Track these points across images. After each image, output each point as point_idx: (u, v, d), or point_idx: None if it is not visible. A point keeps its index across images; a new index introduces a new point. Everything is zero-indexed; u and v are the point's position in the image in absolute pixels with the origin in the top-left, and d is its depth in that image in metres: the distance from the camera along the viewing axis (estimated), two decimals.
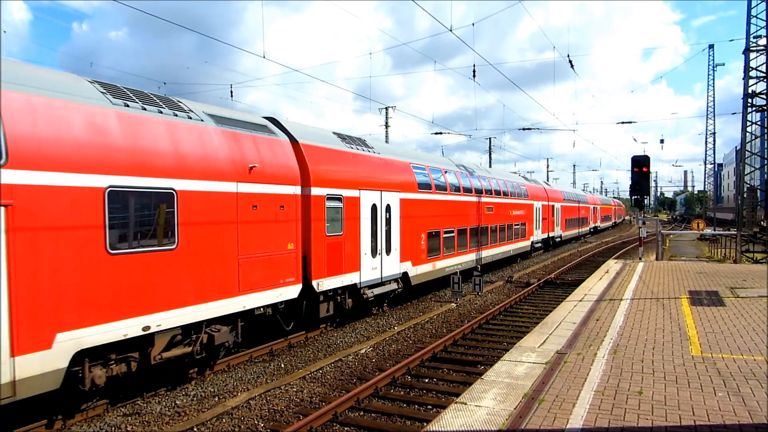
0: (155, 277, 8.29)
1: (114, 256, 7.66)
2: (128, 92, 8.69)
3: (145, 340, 8.39)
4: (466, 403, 6.36)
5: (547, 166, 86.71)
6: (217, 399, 9.13)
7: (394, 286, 15.90)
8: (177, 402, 8.96)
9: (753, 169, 28.08)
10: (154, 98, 9.12)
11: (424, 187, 17.78)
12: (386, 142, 28.60)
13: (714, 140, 66.16)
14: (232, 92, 30.42)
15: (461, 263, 20.69)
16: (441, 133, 38.72)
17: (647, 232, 32.65)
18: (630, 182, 19.60)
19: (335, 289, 13.17)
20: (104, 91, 8.21)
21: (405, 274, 16.43)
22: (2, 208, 6.34)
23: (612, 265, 21.46)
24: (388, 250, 15.41)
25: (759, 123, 25.19)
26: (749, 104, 23.35)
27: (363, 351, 11.97)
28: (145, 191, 8.18)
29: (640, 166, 18.77)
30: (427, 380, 10.13)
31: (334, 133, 14.57)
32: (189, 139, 9.11)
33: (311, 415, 8.01)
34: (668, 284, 15.82)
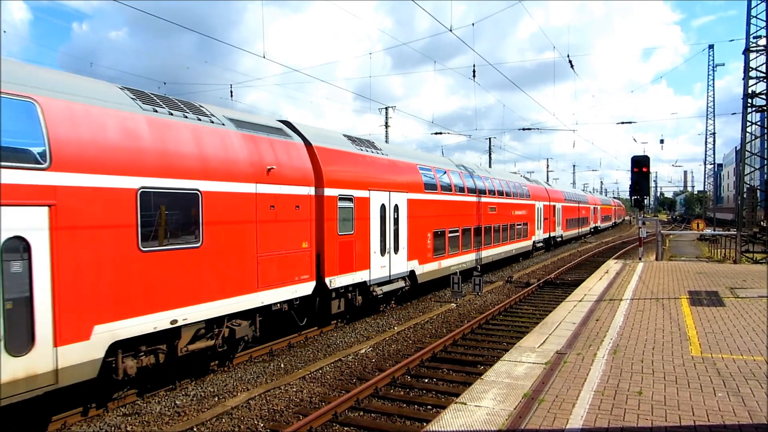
0: (182, 274, 8.77)
1: (145, 254, 8.13)
2: (155, 98, 9.16)
3: (173, 333, 8.88)
4: (465, 403, 6.36)
5: (547, 166, 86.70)
6: (216, 399, 9.13)
7: (401, 284, 16.26)
8: (177, 402, 8.96)
9: (753, 169, 28.07)
10: (179, 103, 9.59)
11: (430, 187, 18.17)
12: (386, 142, 28.61)
13: (714, 140, 66.25)
14: (231, 92, 30.40)
15: (465, 262, 21.05)
16: (441, 133, 38.73)
17: (647, 233, 32.66)
18: (630, 182, 19.57)
19: (346, 287, 13.57)
20: (134, 97, 8.68)
21: (412, 272, 16.83)
22: (46, 207, 6.84)
23: (612, 266, 21.47)
24: (396, 249, 15.82)
25: (759, 123, 25.19)
26: (749, 104, 23.35)
27: (363, 351, 11.97)
28: (173, 192, 8.68)
29: (640, 166, 18.75)
30: (426, 380, 10.13)
31: (344, 135, 14.98)
32: (212, 142, 9.58)
33: (311, 415, 8.01)
34: (668, 284, 15.82)
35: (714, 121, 64.49)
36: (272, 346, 12.20)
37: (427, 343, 12.59)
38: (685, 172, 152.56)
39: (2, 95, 6.59)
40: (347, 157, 13.92)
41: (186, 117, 9.29)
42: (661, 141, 73.39)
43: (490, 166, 41.21)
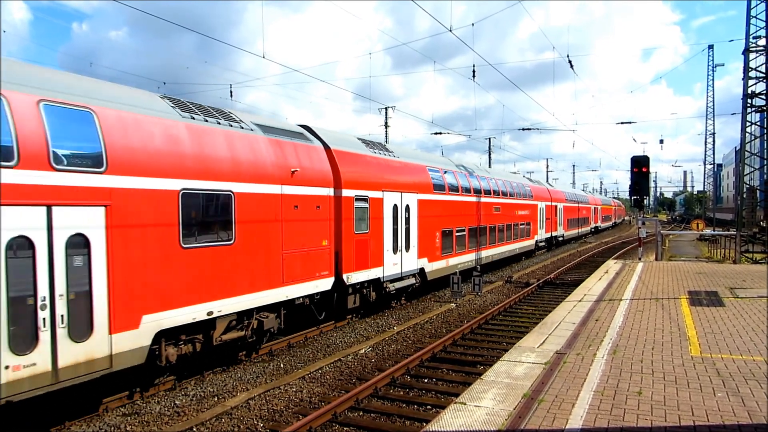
0: (217, 269, 9.45)
1: (186, 250, 8.80)
2: (191, 106, 9.86)
3: (208, 324, 9.57)
4: (465, 404, 6.36)
5: (547, 166, 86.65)
6: (216, 399, 9.13)
7: (412, 280, 16.90)
8: (176, 402, 8.96)
9: (752, 169, 28.09)
10: (211, 110, 10.27)
11: (439, 188, 18.80)
12: (386, 142, 28.61)
13: (713, 140, 66.39)
14: (231, 92, 30.30)
15: (471, 260, 21.71)
16: (441, 133, 38.69)
17: (647, 233, 32.67)
18: (629, 182, 19.56)
19: (362, 283, 14.29)
20: (173, 105, 9.36)
21: (422, 269, 17.49)
22: (103, 207, 7.51)
23: (611, 266, 21.47)
24: (407, 247, 16.50)
25: (758, 123, 25.19)
26: (749, 104, 23.37)
27: (362, 351, 11.97)
28: (210, 193, 9.38)
29: (640, 166, 18.77)
30: (426, 380, 10.12)
31: (358, 138, 15.79)
32: (243, 146, 10.26)
33: (311, 415, 8.01)
34: (668, 284, 15.82)
35: (714, 121, 64.64)
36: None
37: (426, 343, 12.59)
38: (685, 173, 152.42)
39: (64, 106, 7.32)
40: (362, 160, 14.59)
41: (219, 123, 9.98)
42: (661, 141, 73.27)
43: (489, 167, 41.22)
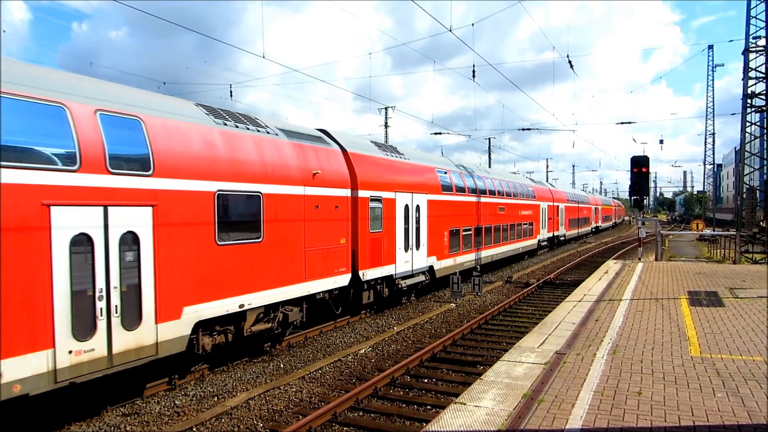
0: (247, 264, 10.11)
1: (220, 247, 9.47)
2: (222, 112, 10.51)
3: (239, 316, 10.20)
4: (465, 404, 6.36)
5: (547, 166, 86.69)
6: (216, 399, 9.13)
7: (422, 278, 17.58)
8: (176, 402, 8.95)
9: (752, 169, 28.10)
10: (240, 116, 10.96)
11: (447, 189, 19.51)
12: (386, 142, 28.63)
13: (713, 141, 66.46)
14: (231, 92, 30.23)
15: (476, 259, 22.29)
16: (440, 133, 38.69)
17: (646, 233, 32.67)
18: (629, 183, 19.56)
19: (376, 279, 14.92)
20: (207, 112, 10.02)
21: (431, 267, 18.16)
22: (150, 207, 8.16)
23: (611, 266, 21.47)
24: (418, 246, 17.19)
25: (758, 123, 25.19)
26: (748, 105, 23.36)
27: (362, 351, 11.96)
28: (241, 194, 10.06)
29: (640, 166, 18.75)
30: (426, 380, 10.12)
31: (371, 141, 16.58)
32: (269, 150, 10.94)
33: (310, 415, 8.01)
34: (667, 285, 15.83)
35: (713, 121, 64.65)
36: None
37: (426, 343, 12.59)
38: (685, 173, 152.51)
39: (117, 115, 7.97)
40: (376, 162, 15.23)
41: (248, 129, 10.65)
42: (661, 141, 73.18)
43: (489, 167, 41.23)
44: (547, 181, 57.23)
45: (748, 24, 23.13)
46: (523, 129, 38.07)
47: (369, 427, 8.01)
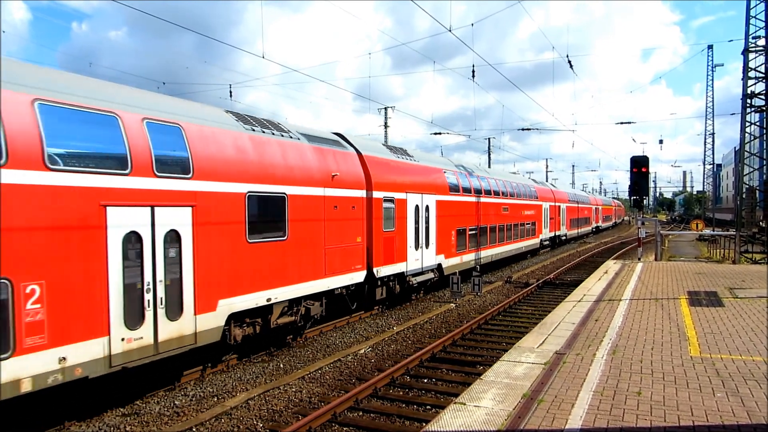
0: (274, 261, 10.79)
1: (250, 244, 10.11)
2: (250, 118, 11.19)
3: (266, 309, 10.83)
4: (465, 404, 6.36)
5: (546, 166, 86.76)
6: (216, 399, 9.13)
7: (431, 275, 18.27)
8: (176, 402, 8.95)
9: (752, 169, 28.11)
10: (265, 122, 11.58)
11: (454, 190, 20.23)
12: (386, 142, 28.64)
13: (713, 141, 66.53)
14: (231, 92, 30.17)
15: (482, 257, 23.01)
16: (440, 134, 38.70)
17: (646, 233, 32.69)
18: (629, 183, 19.55)
19: (389, 276, 15.58)
20: (237, 118, 10.68)
21: (439, 265, 18.84)
22: (190, 208, 8.80)
23: (611, 266, 21.47)
24: (427, 245, 17.86)
25: (758, 123, 25.20)
26: (748, 105, 23.37)
27: (362, 351, 11.96)
28: (269, 195, 10.69)
29: (639, 166, 18.73)
30: (426, 380, 10.12)
31: (383, 144, 17.51)
32: (293, 154, 11.62)
33: (310, 415, 8.01)
34: (667, 285, 15.83)
35: (713, 121, 64.62)
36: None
37: (426, 343, 12.59)
38: (684, 173, 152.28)
39: (160, 122, 8.62)
40: (388, 164, 15.90)
41: (273, 134, 11.30)
42: (660, 141, 73.03)
43: (489, 167, 41.24)
44: (546, 181, 57.27)
45: (747, 24, 23.14)
46: (522, 129, 38.13)
47: (369, 427, 8.01)
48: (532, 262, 30.68)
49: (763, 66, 22.78)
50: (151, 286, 8.12)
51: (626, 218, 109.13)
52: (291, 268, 11.27)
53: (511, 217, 27.22)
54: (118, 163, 7.77)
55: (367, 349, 12.18)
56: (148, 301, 8.08)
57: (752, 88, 23.10)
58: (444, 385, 9.89)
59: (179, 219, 8.62)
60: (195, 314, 8.88)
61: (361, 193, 14.07)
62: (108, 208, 7.53)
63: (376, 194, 14.74)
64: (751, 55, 23.13)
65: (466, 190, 21.46)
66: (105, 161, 7.68)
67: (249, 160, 10.22)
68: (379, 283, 15.19)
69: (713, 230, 41.71)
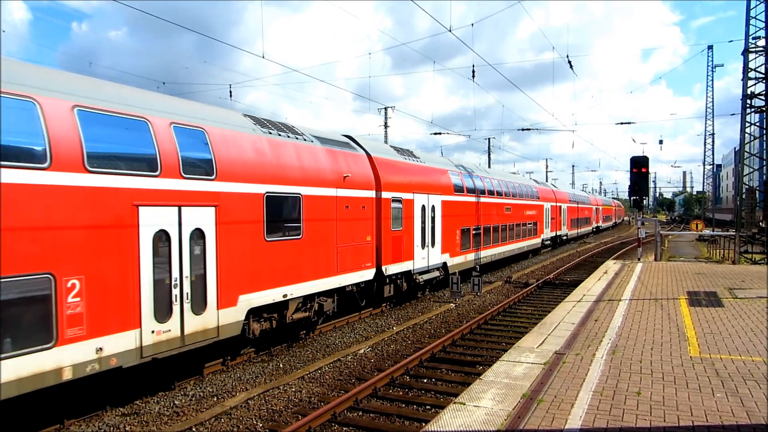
0: (290, 259, 11.25)
1: (268, 243, 10.59)
2: (266, 122, 11.64)
3: (282, 305, 11.31)
4: (464, 404, 6.37)
5: (546, 166, 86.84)
6: (215, 399, 9.13)
7: (436, 273, 18.70)
8: (175, 402, 8.95)
9: (752, 170, 28.11)
10: (280, 125, 12.06)
11: (459, 190, 20.67)
12: (386, 142, 28.66)
13: (713, 141, 66.51)
14: (231, 92, 30.16)
15: (485, 256, 23.57)
16: (440, 134, 38.68)
17: (646, 233, 32.70)
18: (629, 183, 19.56)
19: (397, 274, 16.05)
20: (254, 122, 11.14)
21: (444, 263, 19.31)
22: (213, 208, 9.25)
23: (611, 266, 21.48)
24: (433, 243, 18.32)
25: (758, 124, 25.19)
26: (748, 105, 23.37)
27: (362, 351, 11.97)
28: (285, 196, 11.15)
29: (639, 166, 18.74)
30: (425, 380, 10.12)
31: (391, 146, 17.80)
32: (307, 156, 12.09)
33: (310, 415, 8.01)
34: (667, 285, 15.83)
35: (713, 121, 64.65)
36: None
37: (426, 343, 12.59)
38: (684, 173, 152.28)
39: (186, 126, 9.08)
40: (396, 165, 16.38)
41: (288, 136, 11.78)
42: (660, 142, 72.86)
43: (489, 167, 41.25)
44: (546, 181, 57.31)
45: (747, 24, 23.14)
46: (522, 129, 38.10)
47: (368, 427, 8.01)
48: (532, 262, 30.68)
49: (763, 66, 22.78)
50: (178, 282, 8.59)
51: (626, 218, 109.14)
52: (306, 266, 11.74)
53: (513, 217, 27.59)
54: (148, 165, 8.24)
55: (367, 349, 12.18)
56: (176, 295, 8.56)
57: (752, 89, 23.10)
58: (443, 385, 9.89)
59: (204, 218, 9.09)
60: (218, 309, 9.34)
61: (371, 194, 14.51)
62: (140, 207, 8.00)
63: (385, 195, 15.19)
64: (751, 56, 23.13)
65: (470, 191, 21.88)
66: (137, 163, 8.17)
67: (267, 162, 10.68)
68: (387, 280, 15.56)
69: (713, 230, 41.71)
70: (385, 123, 34.21)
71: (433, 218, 18.24)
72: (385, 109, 34.29)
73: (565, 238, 42.36)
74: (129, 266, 7.82)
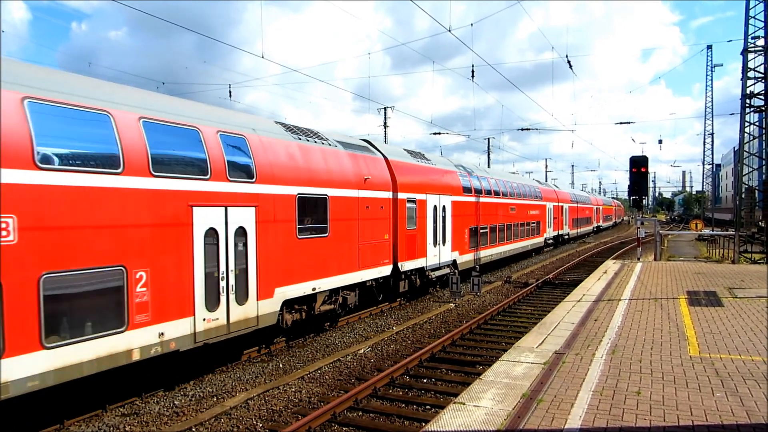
0: (318, 255, 12.16)
1: (299, 240, 11.50)
2: (295, 128, 12.55)
3: (311, 298, 12.20)
4: (464, 404, 6.37)
5: (546, 166, 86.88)
6: (215, 399, 9.12)
7: (447, 270, 19.44)
8: (175, 402, 8.95)
9: (751, 169, 28.13)
10: (308, 131, 12.94)
11: (467, 191, 21.53)
12: (385, 142, 28.66)
13: (712, 141, 66.35)
14: (230, 92, 30.16)
15: (491, 254, 24.45)
16: (440, 134, 38.70)
17: (645, 233, 32.72)
18: (628, 183, 19.55)
19: (411, 270, 16.89)
20: (285, 128, 12.06)
21: (454, 261, 20.19)
22: (253, 208, 10.13)
23: (610, 266, 21.48)
24: (444, 242, 19.17)
25: (757, 123, 25.21)
26: (747, 105, 23.38)
27: (361, 351, 11.96)
28: (314, 197, 12.04)
29: (639, 166, 18.72)
30: (425, 380, 10.12)
31: (404, 149, 18.61)
32: (332, 160, 13.01)
33: (310, 415, 8.01)
34: (666, 284, 15.84)
35: (712, 121, 64.62)
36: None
37: (425, 343, 12.59)
38: (684, 173, 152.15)
39: (230, 134, 9.93)
40: (410, 167, 17.28)
41: (315, 142, 12.67)
42: (660, 141, 72.82)
43: (489, 167, 41.26)
44: (546, 181, 57.36)
45: (746, 24, 23.16)
46: (522, 129, 38.13)
47: (368, 427, 8.01)
48: (532, 261, 30.69)
49: (762, 66, 22.80)
50: (224, 275, 9.46)
51: (626, 218, 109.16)
52: (331, 262, 12.64)
53: (518, 217, 28.41)
54: (200, 169, 9.11)
55: (367, 349, 12.18)
56: (223, 287, 9.42)
57: (751, 88, 23.12)
58: (443, 385, 9.89)
59: (245, 217, 9.96)
60: (257, 300, 10.21)
61: (388, 195, 15.44)
62: (194, 208, 8.86)
63: (401, 195, 16.05)
64: (750, 56, 23.15)
65: (478, 192, 22.69)
66: (191, 168, 9.01)
67: (298, 166, 11.58)
68: (402, 276, 16.41)
69: (712, 230, 41.72)
70: (385, 123, 34.21)
71: (444, 218, 19.00)
72: (385, 109, 34.29)
73: (567, 237, 42.89)
74: (185, 260, 8.69)
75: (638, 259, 24.48)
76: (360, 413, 8.52)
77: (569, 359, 8.08)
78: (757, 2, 22.82)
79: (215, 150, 9.43)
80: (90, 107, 7.54)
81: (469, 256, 21.58)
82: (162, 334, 8.25)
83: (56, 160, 7.05)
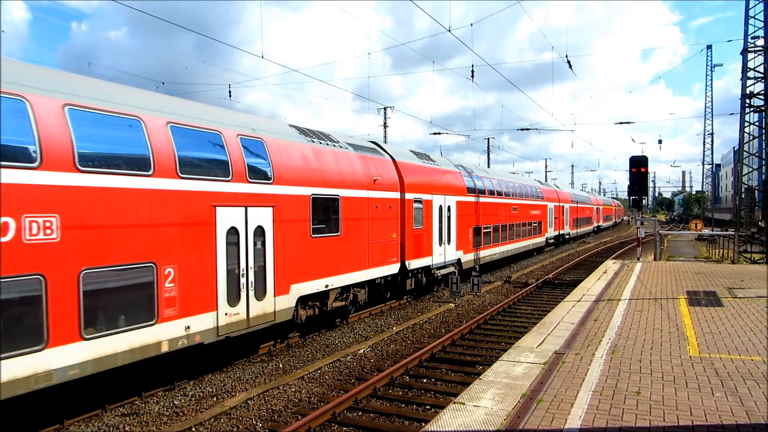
0: (330, 253, 12.59)
1: (313, 239, 11.94)
2: (308, 131, 12.96)
3: (324, 294, 12.63)
4: (464, 404, 6.37)
5: (546, 166, 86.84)
6: (215, 399, 9.13)
7: (452, 269, 19.90)
8: (175, 402, 8.95)
9: (751, 169, 28.13)
10: (320, 134, 13.40)
11: (471, 191, 22.01)
12: (385, 142, 28.64)
13: (712, 141, 66.30)
14: (230, 92, 30.13)
15: (495, 253, 24.90)
16: (440, 134, 38.69)
17: (645, 233, 32.73)
18: (628, 183, 19.55)
19: (418, 269, 17.35)
20: (298, 131, 12.50)
21: (459, 259, 20.70)
22: (271, 208, 10.56)
23: (610, 266, 21.48)
24: (449, 241, 19.69)
25: (757, 123, 25.22)
26: (747, 105, 23.38)
27: (361, 351, 11.96)
28: (327, 197, 12.48)
29: (638, 166, 18.72)
30: (425, 380, 10.12)
31: (410, 150, 19.08)
32: (344, 161, 13.47)
33: (310, 415, 8.01)
34: (666, 284, 15.84)
35: (712, 121, 64.53)
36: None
37: (425, 343, 12.59)
38: (684, 173, 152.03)
39: (249, 138, 10.32)
40: (417, 168, 17.75)
41: (327, 144, 13.13)
42: (660, 141, 72.63)
43: (488, 167, 41.26)
44: (546, 181, 57.38)
45: (746, 24, 23.16)
46: (522, 129, 38.13)
47: (368, 427, 8.01)
48: (532, 261, 30.70)
49: (762, 66, 22.80)
50: (245, 272, 9.89)
51: (625, 218, 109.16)
52: (343, 260, 13.10)
53: (520, 217, 28.92)
54: (223, 171, 9.54)
55: (367, 349, 12.18)
56: (243, 283, 9.84)
57: (751, 88, 23.12)
58: (443, 385, 9.89)
59: (264, 217, 10.39)
60: (275, 296, 10.64)
61: (396, 195, 15.88)
62: (217, 208, 9.29)
63: (408, 196, 16.49)
64: (750, 55, 23.15)
65: (481, 192, 23.18)
66: (214, 170, 9.45)
67: (312, 168, 12.02)
68: (409, 274, 16.87)
69: (712, 230, 41.73)
70: (385, 123, 34.21)
71: (449, 217, 19.49)
72: (385, 109, 34.29)
73: (567, 237, 43.21)
74: (209, 257, 9.13)
75: (638, 259, 24.48)
76: (360, 413, 8.52)
77: (569, 359, 8.08)
78: (757, 2, 22.82)
79: (236, 153, 9.84)
80: (123, 113, 8.03)
81: (472, 255, 22.05)
82: (188, 327, 8.68)
83: (94, 162, 7.45)
